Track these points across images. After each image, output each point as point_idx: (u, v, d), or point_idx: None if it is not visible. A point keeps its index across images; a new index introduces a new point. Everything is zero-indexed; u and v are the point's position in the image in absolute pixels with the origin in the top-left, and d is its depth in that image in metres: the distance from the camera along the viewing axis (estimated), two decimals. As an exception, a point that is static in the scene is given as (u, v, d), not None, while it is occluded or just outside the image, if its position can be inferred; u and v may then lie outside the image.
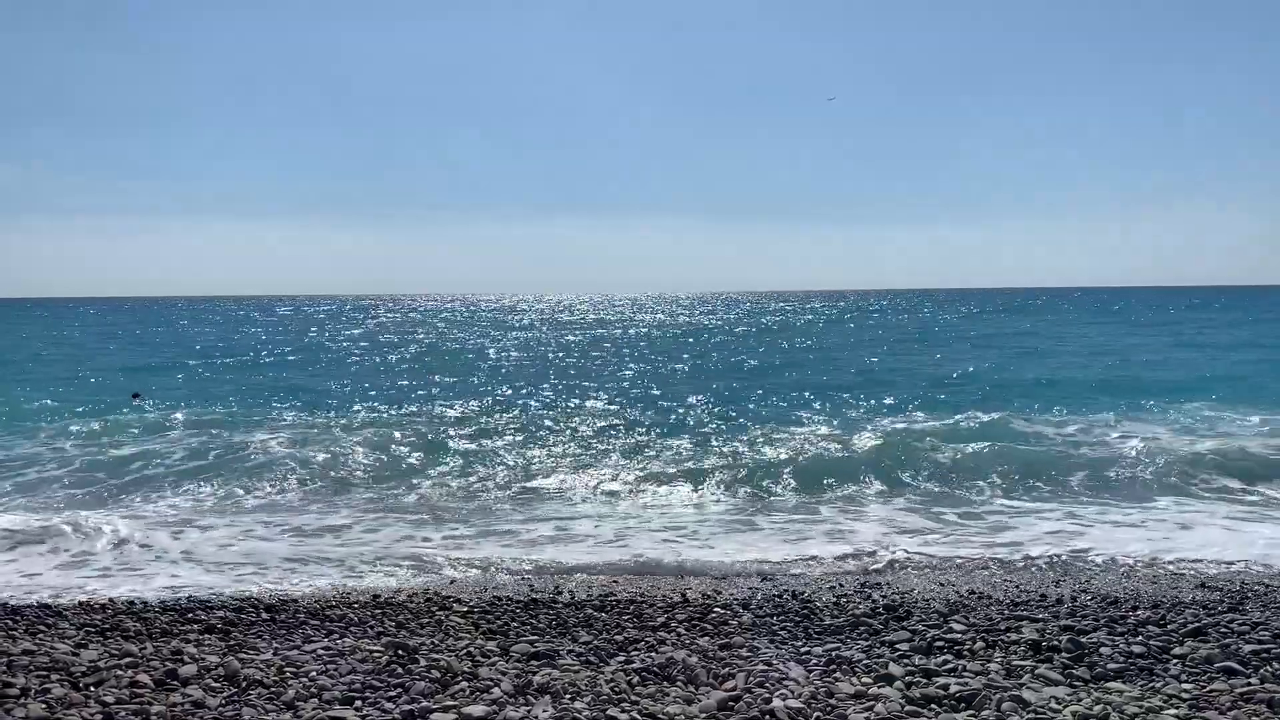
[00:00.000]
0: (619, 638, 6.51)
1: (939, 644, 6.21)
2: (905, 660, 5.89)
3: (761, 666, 5.78)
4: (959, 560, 9.47)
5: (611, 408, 21.70)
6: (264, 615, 7.16)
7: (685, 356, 37.42)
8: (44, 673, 5.43)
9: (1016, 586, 8.21)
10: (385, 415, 20.35)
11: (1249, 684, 5.31)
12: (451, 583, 8.62)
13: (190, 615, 7.16)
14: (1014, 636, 6.30)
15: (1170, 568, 9.05)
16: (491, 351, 40.31)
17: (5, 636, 6.40)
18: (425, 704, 5.08)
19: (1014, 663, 5.77)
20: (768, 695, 5.23)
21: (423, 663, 5.76)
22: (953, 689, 5.26)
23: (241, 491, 13.06)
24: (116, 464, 14.74)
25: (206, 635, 6.58)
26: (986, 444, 15.44)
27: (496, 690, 5.28)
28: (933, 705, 5.11)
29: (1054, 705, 5.04)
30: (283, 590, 8.34)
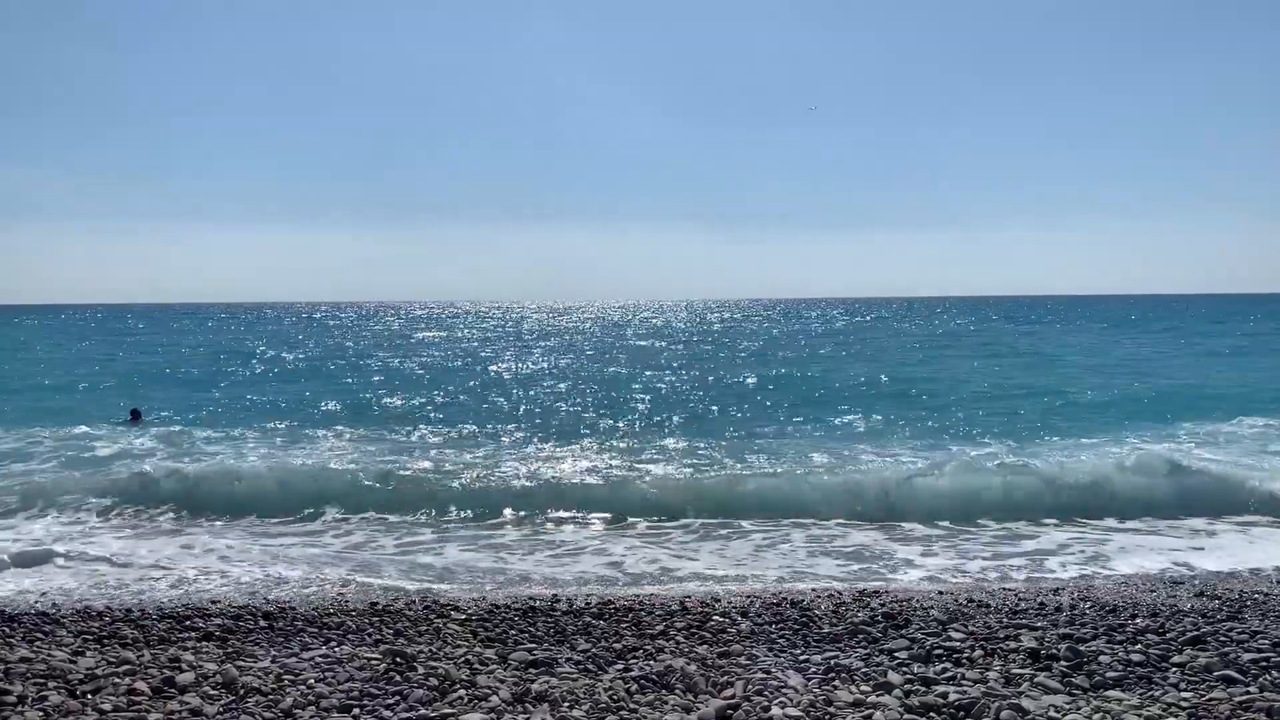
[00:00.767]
0: (617, 645, 6.49)
1: (938, 652, 6.20)
2: (904, 668, 5.88)
3: (760, 674, 5.77)
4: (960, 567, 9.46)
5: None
6: (262, 622, 7.15)
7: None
8: (41, 680, 5.41)
9: (1015, 595, 8.21)
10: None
11: (1248, 692, 5.30)
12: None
13: (188, 622, 7.14)
14: (1013, 645, 6.29)
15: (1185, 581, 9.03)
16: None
17: (3, 644, 6.38)
18: (423, 712, 5.07)
19: (1013, 671, 5.77)
20: (766, 703, 5.22)
21: (421, 670, 5.75)
22: (951, 697, 5.25)
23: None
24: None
25: (204, 642, 6.56)
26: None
27: (494, 698, 5.27)
28: (931, 713, 5.10)
29: (1053, 714, 5.03)
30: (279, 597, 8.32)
